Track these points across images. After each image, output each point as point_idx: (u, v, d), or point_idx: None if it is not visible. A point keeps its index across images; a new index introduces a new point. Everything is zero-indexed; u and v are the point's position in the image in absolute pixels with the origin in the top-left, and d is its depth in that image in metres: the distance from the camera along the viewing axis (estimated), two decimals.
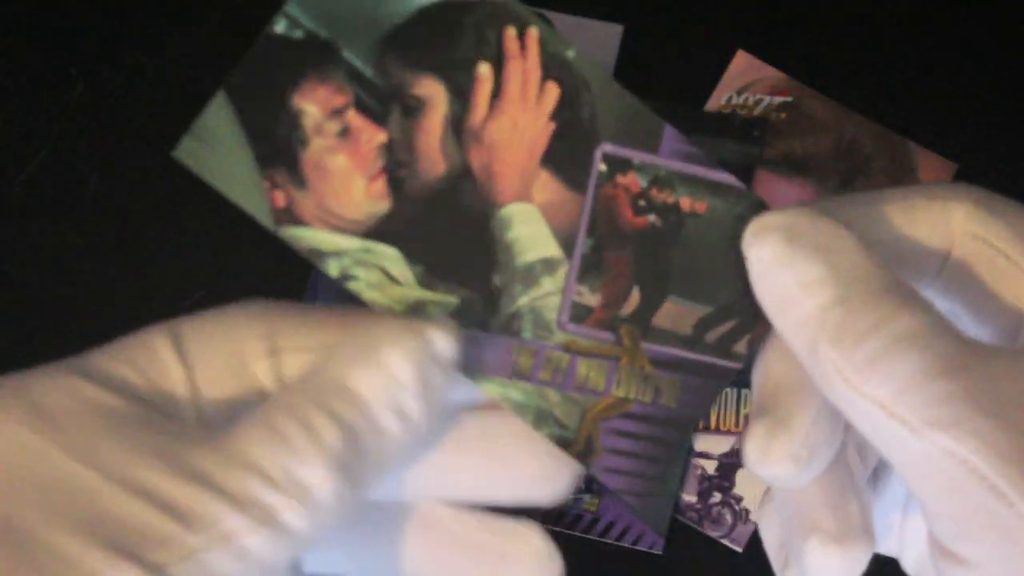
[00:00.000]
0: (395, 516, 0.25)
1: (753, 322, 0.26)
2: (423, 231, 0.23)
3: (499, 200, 0.24)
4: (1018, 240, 0.23)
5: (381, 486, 0.23)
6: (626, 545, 0.44)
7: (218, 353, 0.23)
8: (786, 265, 0.22)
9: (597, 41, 0.49)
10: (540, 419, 0.26)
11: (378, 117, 0.21)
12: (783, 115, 0.48)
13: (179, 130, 0.54)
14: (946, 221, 0.24)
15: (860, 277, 0.22)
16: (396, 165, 0.22)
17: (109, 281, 0.47)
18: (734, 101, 0.48)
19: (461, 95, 0.22)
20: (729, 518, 0.45)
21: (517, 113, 0.24)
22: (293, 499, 0.21)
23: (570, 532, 0.44)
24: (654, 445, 0.27)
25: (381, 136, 0.22)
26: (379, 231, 0.23)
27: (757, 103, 0.48)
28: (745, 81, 0.49)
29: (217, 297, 0.23)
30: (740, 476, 0.45)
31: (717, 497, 0.45)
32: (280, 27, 0.24)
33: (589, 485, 0.43)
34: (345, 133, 0.22)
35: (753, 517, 0.45)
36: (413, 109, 0.22)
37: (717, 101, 0.48)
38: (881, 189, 0.24)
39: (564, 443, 0.26)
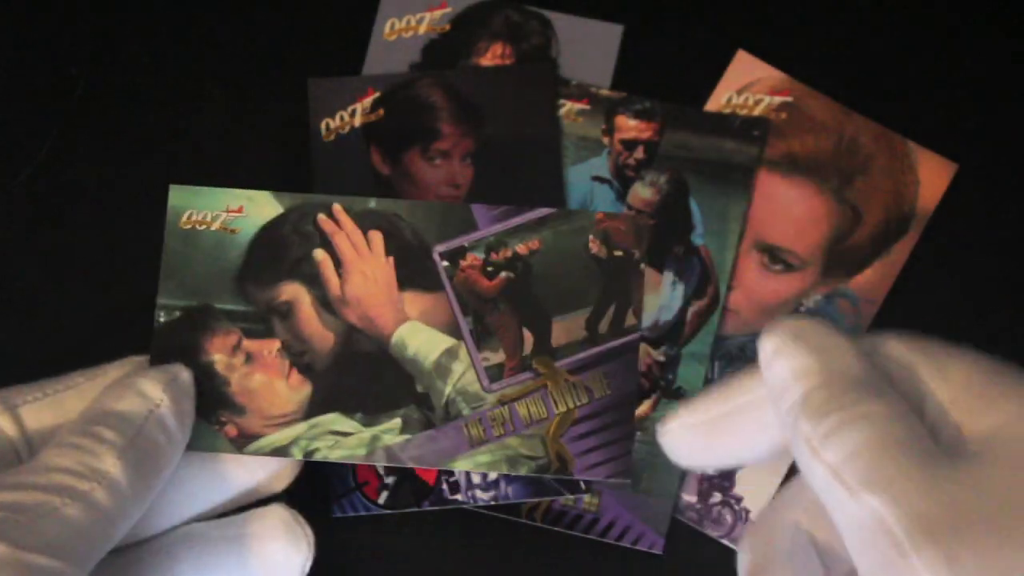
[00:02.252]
0: (159, 549, 0.31)
1: (629, 297, 0.32)
2: (345, 388, 0.29)
3: (386, 333, 0.29)
4: (928, 354, 0.27)
5: (158, 489, 0.29)
6: (626, 545, 0.44)
7: None
8: (787, 355, 0.27)
9: (597, 41, 0.49)
10: (513, 464, 0.31)
11: (265, 333, 0.27)
12: (783, 115, 0.48)
13: (179, 130, 0.54)
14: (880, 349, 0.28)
15: (845, 372, 0.26)
16: (298, 356, 0.28)
17: (109, 282, 0.47)
18: (734, 101, 0.48)
19: (314, 282, 0.28)
20: (729, 518, 0.45)
21: (362, 268, 0.29)
22: (95, 482, 0.26)
23: (570, 532, 0.44)
24: (611, 428, 0.31)
25: (276, 344, 0.28)
26: (313, 408, 0.29)
27: (757, 103, 0.48)
28: (745, 81, 0.49)
29: None
30: (740, 476, 0.45)
31: (717, 497, 0.45)
32: (162, 317, 0.31)
33: (589, 484, 0.43)
34: (250, 358, 0.28)
35: (753, 517, 0.45)
36: (287, 312, 0.27)
37: (717, 101, 0.48)
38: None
39: (542, 469, 0.31)
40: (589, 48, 0.49)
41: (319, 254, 0.27)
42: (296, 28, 0.50)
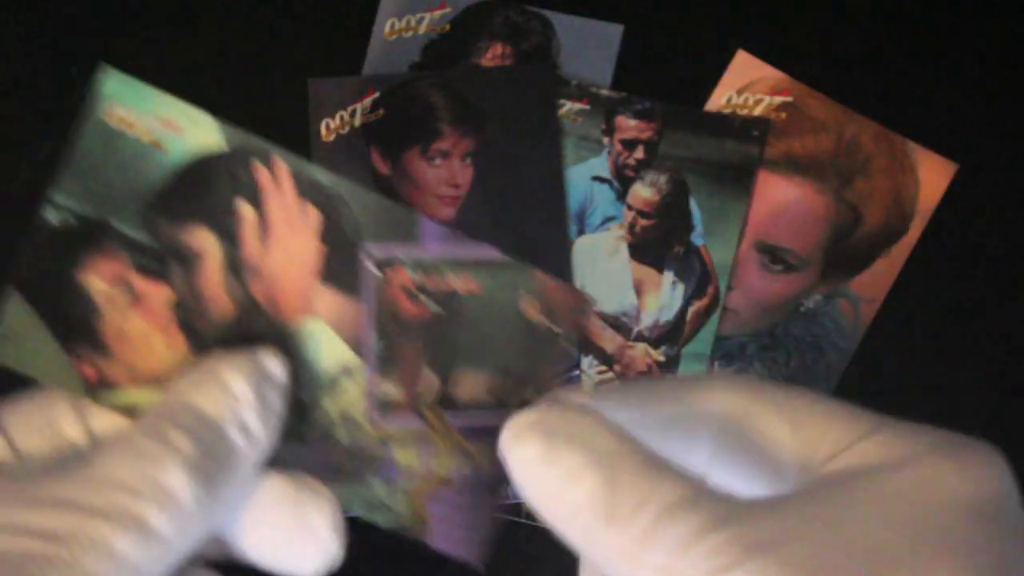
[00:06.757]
0: None
1: (535, 373, 0.27)
2: None
3: (289, 323, 0.25)
4: (766, 398, 0.25)
5: (232, 497, 0.25)
6: None
7: (32, 421, 0.25)
8: (549, 460, 0.23)
9: (597, 41, 0.49)
10: (371, 509, 0.27)
11: (159, 275, 0.23)
12: (783, 115, 0.48)
13: None
14: (708, 397, 0.26)
15: (619, 457, 0.23)
16: (188, 315, 0.24)
17: None
18: (734, 101, 0.48)
19: (230, 237, 0.23)
20: None
21: (287, 240, 0.25)
22: (154, 502, 0.22)
23: None
24: (479, 507, 0.28)
25: (167, 292, 0.24)
26: None
27: (757, 103, 0.48)
28: (745, 81, 0.49)
29: None
30: None
31: None
32: (50, 215, 0.26)
33: None
34: (134, 298, 0.24)
35: None
36: (190, 261, 0.23)
37: (717, 101, 0.48)
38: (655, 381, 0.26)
39: (399, 525, 0.28)
40: (589, 48, 0.49)
41: (244, 208, 0.23)
42: (296, 28, 0.50)
